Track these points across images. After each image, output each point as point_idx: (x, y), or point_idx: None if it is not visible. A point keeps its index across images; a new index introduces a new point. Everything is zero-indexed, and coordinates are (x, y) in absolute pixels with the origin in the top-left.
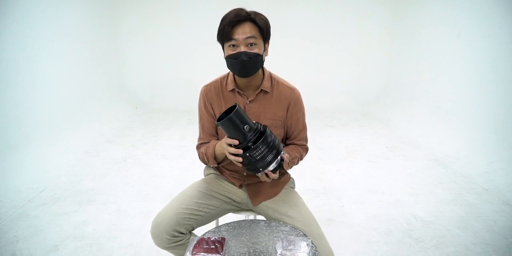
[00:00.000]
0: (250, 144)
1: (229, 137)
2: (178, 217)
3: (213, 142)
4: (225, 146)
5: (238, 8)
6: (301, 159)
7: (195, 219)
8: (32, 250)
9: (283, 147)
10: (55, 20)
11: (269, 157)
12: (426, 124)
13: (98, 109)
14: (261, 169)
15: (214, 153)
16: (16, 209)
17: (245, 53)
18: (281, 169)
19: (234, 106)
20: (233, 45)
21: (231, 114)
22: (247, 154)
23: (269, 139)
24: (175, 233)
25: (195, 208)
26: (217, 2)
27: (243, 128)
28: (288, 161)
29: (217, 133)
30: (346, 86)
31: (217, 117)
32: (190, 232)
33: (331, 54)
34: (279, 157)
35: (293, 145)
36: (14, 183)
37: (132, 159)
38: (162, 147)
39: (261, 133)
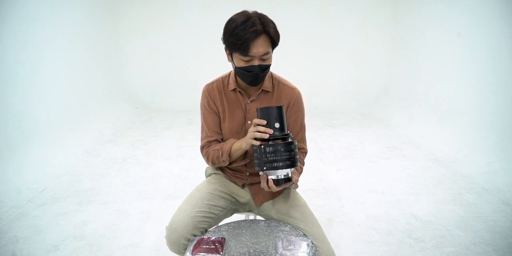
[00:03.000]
0: (274, 140)
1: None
2: (194, 221)
3: (231, 139)
4: (251, 131)
5: (251, 19)
6: (303, 165)
7: (207, 221)
8: (32, 250)
9: None
10: (55, 20)
11: (280, 163)
12: (426, 124)
13: (98, 109)
14: (264, 169)
15: (231, 149)
16: (16, 209)
17: (259, 66)
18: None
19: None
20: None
21: (276, 106)
22: (263, 147)
23: (292, 147)
24: (192, 237)
25: (208, 210)
26: (217, 3)
27: (274, 124)
28: (296, 180)
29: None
30: (346, 86)
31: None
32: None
33: (331, 54)
34: (289, 171)
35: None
36: (14, 183)
37: (132, 159)
38: (162, 147)
39: (289, 141)
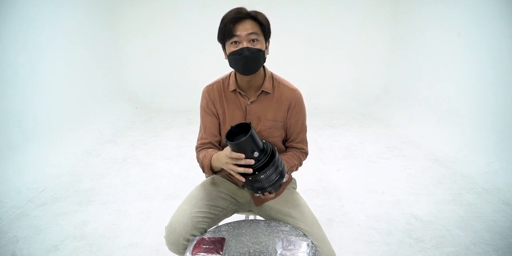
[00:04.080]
0: (260, 166)
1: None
2: (193, 221)
3: (210, 152)
4: (231, 166)
5: (238, 7)
6: (300, 165)
7: (207, 222)
8: (32, 250)
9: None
10: (55, 20)
11: (273, 177)
12: (426, 124)
13: (98, 109)
14: (259, 192)
15: (211, 164)
16: (16, 209)
17: (248, 48)
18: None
19: (247, 126)
20: (236, 42)
21: (245, 138)
22: (250, 178)
23: (278, 163)
24: (191, 237)
25: (207, 210)
26: (216, 3)
27: (252, 152)
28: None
29: (220, 134)
30: (346, 86)
31: (227, 131)
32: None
33: (331, 54)
34: (283, 179)
35: (292, 151)
36: (14, 183)
37: (132, 159)
38: (162, 147)
39: (271, 156)
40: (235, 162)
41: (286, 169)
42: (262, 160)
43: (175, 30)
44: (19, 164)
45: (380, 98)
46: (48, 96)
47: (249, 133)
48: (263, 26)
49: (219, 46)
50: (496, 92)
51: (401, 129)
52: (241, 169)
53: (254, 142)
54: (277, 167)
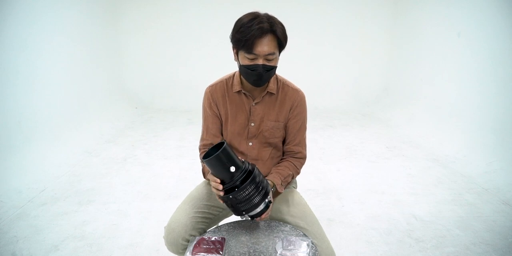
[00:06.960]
0: (237, 183)
1: (213, 174)
2: (192, 222)
3: None
4: (212, 184)
5: (258, 17)
6: (298, 173)
7: (206, 222)
8: (32, 250)
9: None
10: (55, 20)
11: (256, 199)
12: (426, 124)
13: (98, 109)
14: (244, 213)
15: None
16: (16, 209)
17: (263, 66)
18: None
19: (222, 143)
20: (252, 59)
21: (218, 152)
22: (231, 197)
23: (258, 179)
24: (190, 237)
25: (206, 211)
26: (217, 3)
27: (230, 168)
28: (280, 182)
29: (221, 134)
30: (346, 86)
31: (206, 153)
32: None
33: (331, 54)
34: (267, 199)
35: (287, 161)
36: (14, 183)
37: (132, 159)
38: (162, 147)
39: (249, 172)
40: (212, 185)
41: (269, 187)
42: (237, 176)
43: (175, 30)
44: (19, 164)
45: (380, 98)
46: (48, 96)
47: (220, 150)
48: (280, 41)
49: (219, 46)
50: (496, 92)
51: (401, 129)
52: (215, 191)
53: (228, 159)
54: (257, 185)
